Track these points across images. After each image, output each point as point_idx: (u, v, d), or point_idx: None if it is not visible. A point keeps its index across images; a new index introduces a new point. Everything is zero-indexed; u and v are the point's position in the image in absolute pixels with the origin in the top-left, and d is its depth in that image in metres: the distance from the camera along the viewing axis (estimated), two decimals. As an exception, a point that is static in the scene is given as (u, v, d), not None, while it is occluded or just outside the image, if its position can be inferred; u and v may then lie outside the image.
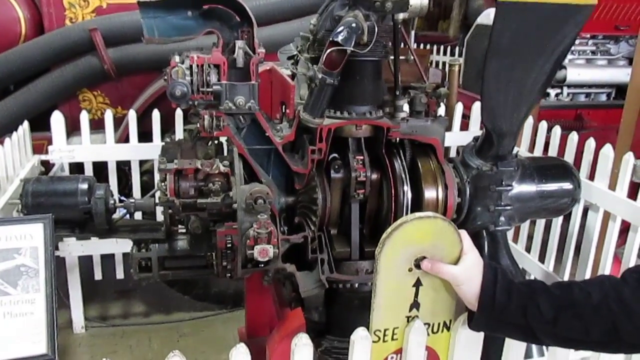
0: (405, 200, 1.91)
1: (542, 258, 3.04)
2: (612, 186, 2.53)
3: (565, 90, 4.63)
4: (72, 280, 3.27)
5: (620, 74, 4.57)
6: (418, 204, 1.91)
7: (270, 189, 1.83)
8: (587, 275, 2.69)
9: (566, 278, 2.84)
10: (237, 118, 1.89)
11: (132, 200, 2.04)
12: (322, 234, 1.94)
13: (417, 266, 1.33)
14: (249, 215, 1.76)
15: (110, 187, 2.10)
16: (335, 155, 1.97)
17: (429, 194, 1.94)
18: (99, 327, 3.51)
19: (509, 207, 2.07)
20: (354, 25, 1.62)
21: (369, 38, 1.67)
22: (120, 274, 3.42)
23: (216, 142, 2.13)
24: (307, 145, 1.91)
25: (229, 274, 1.92)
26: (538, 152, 3.12)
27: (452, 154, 3.58)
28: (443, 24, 8.02)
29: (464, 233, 1.33)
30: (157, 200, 2.04)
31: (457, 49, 6.80)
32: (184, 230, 2.06)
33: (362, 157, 1.91)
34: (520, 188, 2.13)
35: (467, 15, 6.96)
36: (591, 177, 2.65)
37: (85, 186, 1.98)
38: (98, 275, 3.39)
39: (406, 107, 1.94)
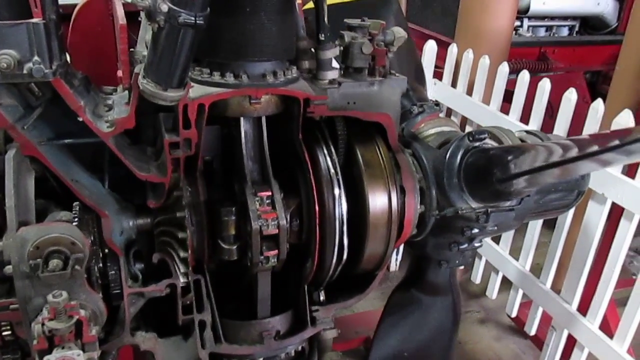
0: (338, 213, 1.24)
1: (516, 254, 2.36)
2: (631, 173, 1.81)
3: (526, 22, 3.90)
4: None
5: (589, 4, 3.88)
6: (359, 219, 1.28)
7: (95, 223, 1.00)
8: (580, 291, 2.02)
9: (549, 284, 2.17)
10: (22, 90, 1.00)
11: None
12: (202, 278, 1.13)
13: None
14: (41, 286, 0.91)
15: None
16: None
17: (376, 201, 1.29)
18: None
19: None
20: None
21: None
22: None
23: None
24: (163, 133, 1.06)
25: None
26: (496, 103, 2.40)
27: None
28: None
29: None
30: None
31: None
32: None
33: (268, 193, 1.10)
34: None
35: None
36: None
37: None
38: None
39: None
